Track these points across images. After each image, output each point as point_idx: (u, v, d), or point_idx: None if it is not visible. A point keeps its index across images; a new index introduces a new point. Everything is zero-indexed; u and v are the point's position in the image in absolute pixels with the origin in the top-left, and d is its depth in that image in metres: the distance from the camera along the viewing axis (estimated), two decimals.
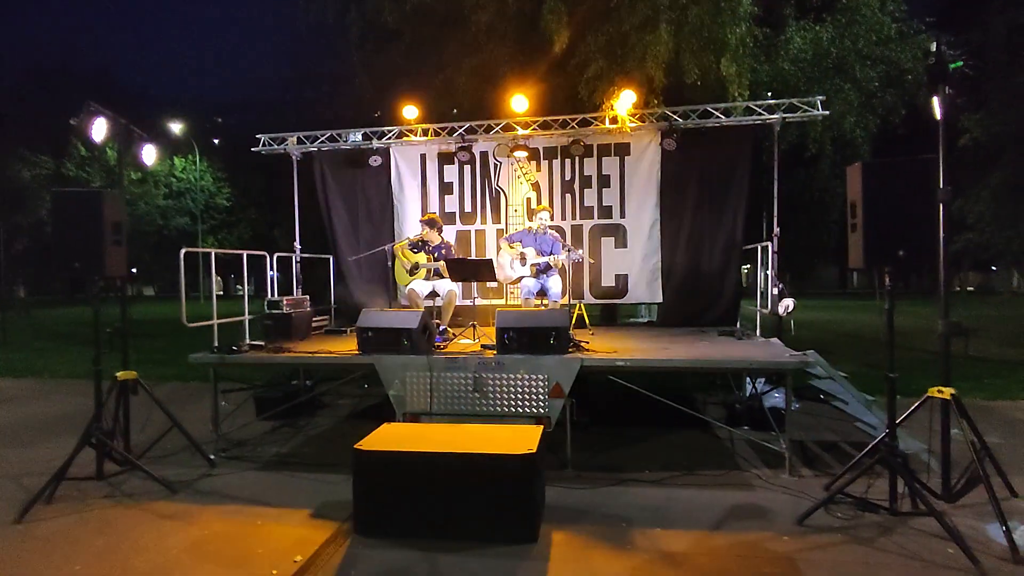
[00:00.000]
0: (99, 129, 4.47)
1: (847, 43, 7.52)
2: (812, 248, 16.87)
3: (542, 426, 4.06)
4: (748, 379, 6.00)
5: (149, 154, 5.26)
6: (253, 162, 7.75)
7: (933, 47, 3.47)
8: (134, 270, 5.39)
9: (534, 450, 3.49)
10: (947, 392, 3.67)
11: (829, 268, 38.72)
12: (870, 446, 3.98)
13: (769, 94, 6.90)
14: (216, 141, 34.84)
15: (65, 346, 12.78)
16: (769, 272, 6.27)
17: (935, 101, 3.79)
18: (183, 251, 5.38)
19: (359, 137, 7.69)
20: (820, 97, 6.63)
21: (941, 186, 3.59)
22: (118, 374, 4.64)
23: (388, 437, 3.85)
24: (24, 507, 3.90)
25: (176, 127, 29.62)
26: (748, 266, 7.86)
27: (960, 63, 3.45)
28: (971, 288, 36.96)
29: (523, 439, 3.66)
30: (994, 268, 33.97)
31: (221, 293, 7.95)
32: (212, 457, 4.92)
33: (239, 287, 35.57)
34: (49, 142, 25.22)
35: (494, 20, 8.15)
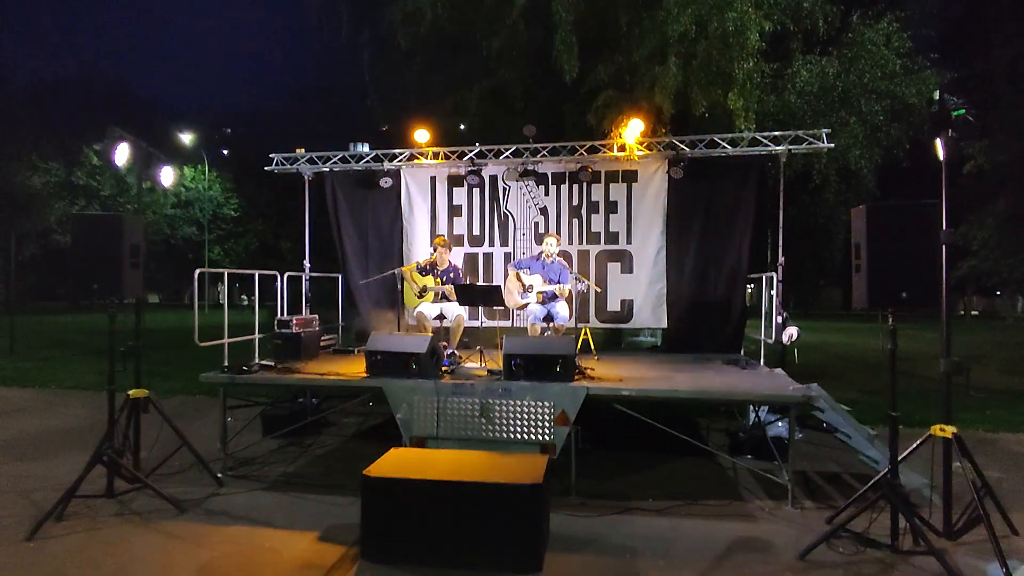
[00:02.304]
0: (121, 153, 4.59)
1: (852, 77, 7.66)
2: (817, 272, 16.93)
3: (548, 455, 4.11)
4: (752, 408, 6.04)
5: (167, 176, 5.37)
6: (262, 173, 7.89)
7: (936, 95, 3.55)
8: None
9: (541, 480, 3.55)
10: (949, 431, 3.72)
11: (833, 290, 38.72)
12: (872, 481, 4.02)
13: (774, 127, 7.01)
14: (225, 152, 35.22)
15: (71, 356, 12.86)
16: (774, 300, 6.33)
17: (938, 144, 3.88)
18: (198, 271, 5.47)
19: (367, 148, 7.80)
20: (826, 130, 6.73)
21: (944, 228, 3.67)
22: (130, 392, 4.72)
23: (396, 463, 3.91)
24: (35, 524, 3.96)
25: (187, 137, 29.97)
26: (752, 286, 7.93)
27: (963, 111, 3.54)
28: (975, 312, 36.88)
29: (530, 468, 3.72)
30: (998, 293, 33.91)
31: (227, 307, 8.01)
32: (220, 476, 4.98)
33: (243, 297, 35.71)
34: (61, 150, 25.50)
35: (505, 46, 8.31)
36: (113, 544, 3.81)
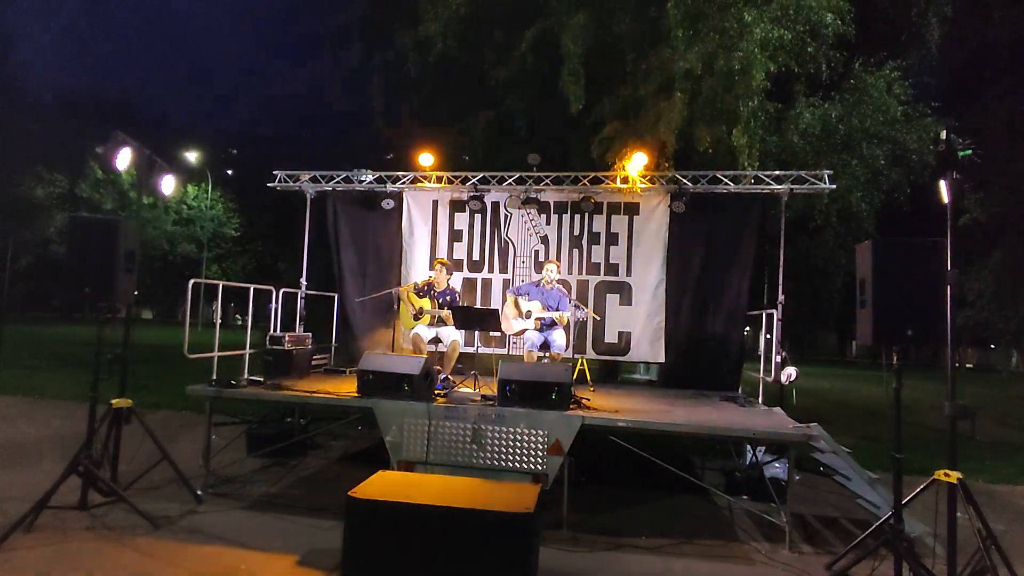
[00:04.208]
0: (123, 158, 4.57)
1: (855, 121, 7.78)
2: (813, 316, 16.93)
3: (540, 484, 3.98)
4: (749, 447, 5.92)
5: (168, 185, 5.34)
6: (264, 194, 7.92)
7: (943, 135, 3.56)
8: (135, 292, 5.41)
9: (531, 509, 3.41)
10: (953, 476, 3.61)
11: (829, 336, 38.74)
12: (874, 527, 3.90)
13: (775, 167, 7.08)
14: (229, 172, 35.43)
15: (59, 366, 12.65)
16: (774, 340, 6.27)
17: (943, 185, 3.87)
18: (192, 282, 5.40)
19: (371, 177, 7.82)
20: (828, 171, 6.77)
21: (949, 268, 3.64)
22: (113, 401, 4.59)
23: (383, 486, 3.77)
24: (2, 535, 3.79)
25: (192, 156, 30.18)
26: (749, 328, 7.87)
27: (969, 151, 3.54)
28: (970, 365, 36.79)
29: (520, 497, 3.58)
30: (993, 346, 33.90)
31: (220, 321, 7.94)
32: (199, 493, 4.81)
33: (238, 316, 35.47)
34: (67, 162, 25.62)
35: (513, 77, 8.43)
36: (81, 559, 3.65)
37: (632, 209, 7.40)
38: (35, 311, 29.03)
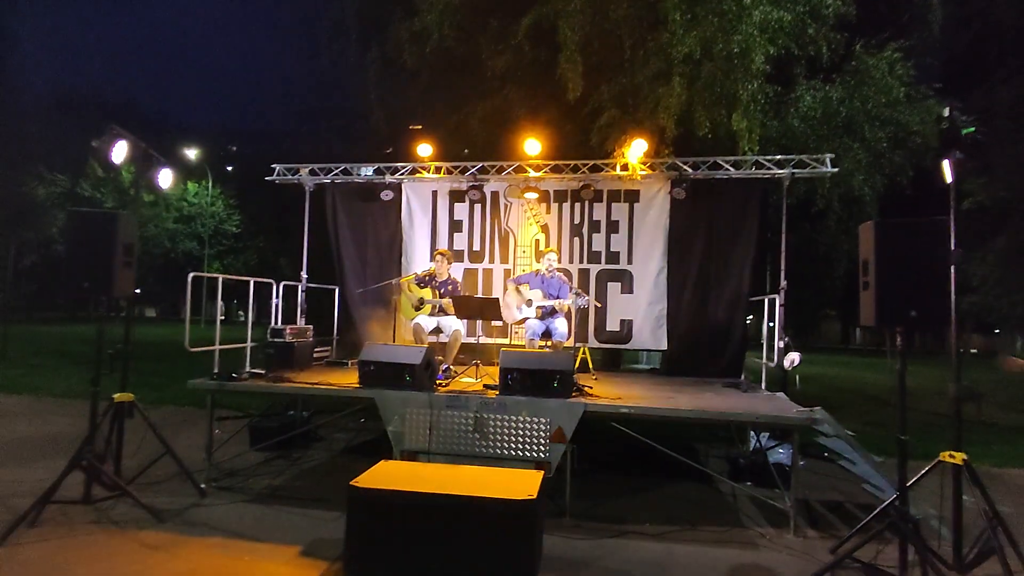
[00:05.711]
0: (119, 152, 4.53)
1: (856, 104, 7.70)
2: (816, 303, 16.87)
3: (542, 472, 3.97)
4: (752, 433, 5.90)
5: (165, 178, 5.32)
6: (264, 190, 7.88)
7: (946, 112, 3.52)
8: (138, 291, 5.43)
9: (534, 496, 3.41)
10: (959, 457, 3.58)
11: (832, 323, 38.64)
12: (879, 509, 3.88)
13: (776, 152, 7.02)
14: (229, 168, 35.38)
15: (63, 364, 12.69)
16: (776, 325, 6.23)
17: (946, 165, 3.83)
18: (191, 275, 5.38)
19: (371, 172, 7.81)
20: (829, 155, 6.71)
21: (952, 248, 3.60)
22: (115, 396, 4.59)
23: (385, 475, 3.77)
24: (7, 530, 3.80)
25: (192, 153, 30.15)
26: (752, 316, 7.84)
27: (972, 129, 3.50)
28: (974, 351, 36.67)
29: (523, 484, 3.58)
30: (997, 332, 33.75)
31: (223, 318, 7.97)
32: (203, 486, 4.81)
33: (240, 313, 35.50)
34: (68, 162, 25.61)
35: (510, 66, 8.36)
36: (86, 552, 3.65)
37: (632, 196, 7.36)
38: (39, 311, 29.08)
